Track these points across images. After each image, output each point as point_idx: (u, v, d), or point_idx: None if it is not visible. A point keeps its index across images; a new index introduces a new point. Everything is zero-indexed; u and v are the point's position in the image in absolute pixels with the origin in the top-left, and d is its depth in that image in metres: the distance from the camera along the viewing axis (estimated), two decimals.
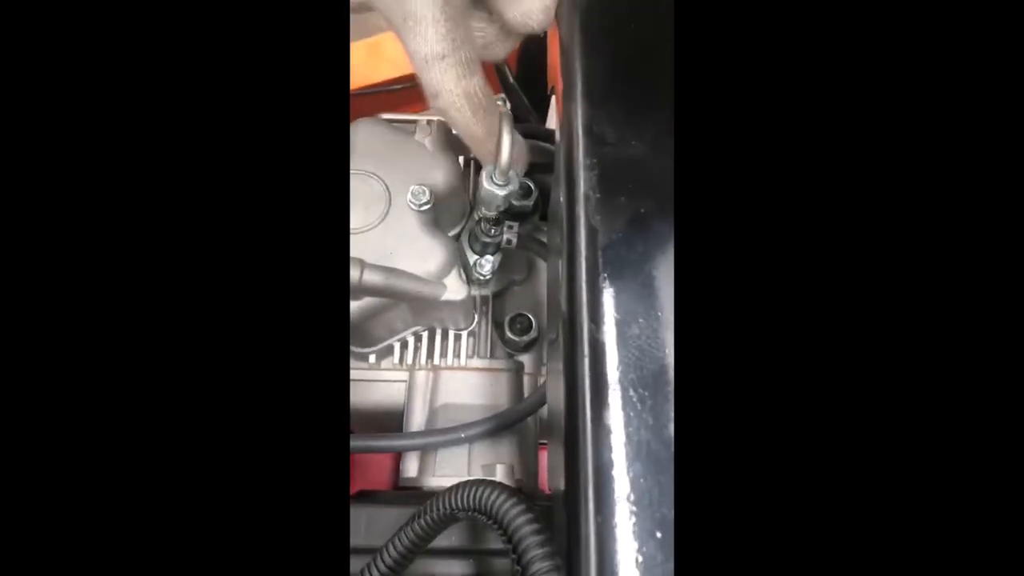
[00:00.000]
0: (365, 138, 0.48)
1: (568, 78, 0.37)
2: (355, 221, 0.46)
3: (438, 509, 0.32)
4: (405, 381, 0.55)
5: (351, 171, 0.46)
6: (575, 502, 0.26)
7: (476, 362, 0.55)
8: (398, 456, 0.56)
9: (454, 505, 0.31)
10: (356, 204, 0.46)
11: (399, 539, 0.32)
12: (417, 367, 0.55)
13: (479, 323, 0.56)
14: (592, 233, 0.32)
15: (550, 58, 0.45)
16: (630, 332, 0.29)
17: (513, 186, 0.42)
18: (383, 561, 0.32)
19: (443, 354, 0.55)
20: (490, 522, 0.30)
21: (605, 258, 0.31)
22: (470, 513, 0.31)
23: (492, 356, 0.56)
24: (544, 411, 0.52)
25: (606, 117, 0.35)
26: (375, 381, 0.55)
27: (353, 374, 0.55)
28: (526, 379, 0.56)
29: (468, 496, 0.31)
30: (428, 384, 0.54)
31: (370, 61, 1.18)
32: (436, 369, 0.54)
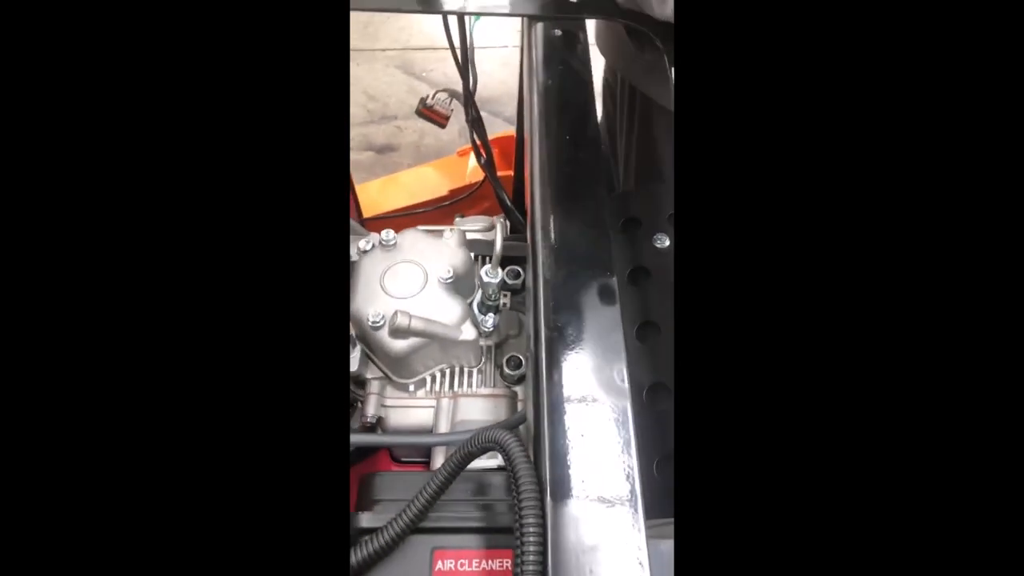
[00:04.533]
0: (411, 240, 0.76)
1: (532, 200, 0.64)
2: (404, 291, 0.72)
3: (466, 446, 0.54)
4: (433, 407, 0.78)
5: (404, 261, 0.73)
6: (538, 420, 0.50)
7: (484, 390, 0.78)
8: (424, 466, 0.78)
9: (476, 444, 0.54)
10: (406, 281, 0.72)
11: (442, 470, 0.55)
12: (442, 395, 0.78)
13: (485, 363, 0.80)
14: (547, 286, 0.57)
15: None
16: (567, 339, 0.53)
17: (499, 278, 0.70)
18: (433, 484, 0.54)
19: (460, 384, 0.78)
20: (498, 449, 0.52)
21: (556, 301, 0.56)
22: (486, 445, 0.53)
23: (495, 386, 0.79)
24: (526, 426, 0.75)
25: (553, 221, 0.62)
26: (412, 407, 0.79)
27: (395, 401, 0.79)
28: (519, 404, 0.80)
29: (485, 435, 0.54)
30: (450, 407, 0.78)
31: (390, 191, 1.55)
32: (456, 396, 0.78)
